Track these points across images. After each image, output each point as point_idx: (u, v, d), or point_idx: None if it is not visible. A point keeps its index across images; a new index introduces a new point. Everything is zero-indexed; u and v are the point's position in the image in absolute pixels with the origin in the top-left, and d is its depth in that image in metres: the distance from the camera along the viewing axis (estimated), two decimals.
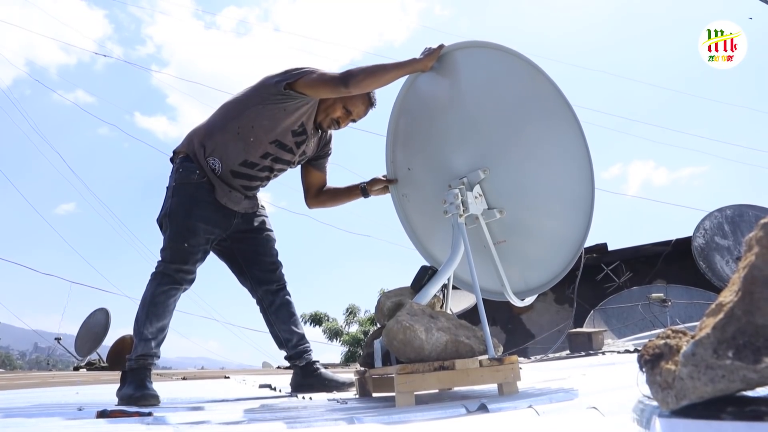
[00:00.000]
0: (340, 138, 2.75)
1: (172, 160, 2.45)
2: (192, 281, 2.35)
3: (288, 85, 2.23)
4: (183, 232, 2.28)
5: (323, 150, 2.61)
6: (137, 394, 2.08)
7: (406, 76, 2.29)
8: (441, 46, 2.14)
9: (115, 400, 2.15)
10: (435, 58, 2.14)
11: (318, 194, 2.66)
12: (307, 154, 2.52)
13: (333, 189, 2.67)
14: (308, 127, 2.38)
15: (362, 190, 2.58)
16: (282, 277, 2.58)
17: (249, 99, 2.32)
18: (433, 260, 2.51)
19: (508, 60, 2.00)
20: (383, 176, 2.55)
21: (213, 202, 2.33)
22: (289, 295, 2.59)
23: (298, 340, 2.55)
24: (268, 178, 2.48)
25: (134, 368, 2.20)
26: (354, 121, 2.43)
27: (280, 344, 2.58)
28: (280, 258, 2.61)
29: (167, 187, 2.39)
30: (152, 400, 2.07)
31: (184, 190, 2.32)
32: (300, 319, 2.66)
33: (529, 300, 2.28)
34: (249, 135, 2.30)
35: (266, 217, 2.62)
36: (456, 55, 2.13)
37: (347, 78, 2.16)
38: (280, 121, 2.29)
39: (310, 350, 2.59)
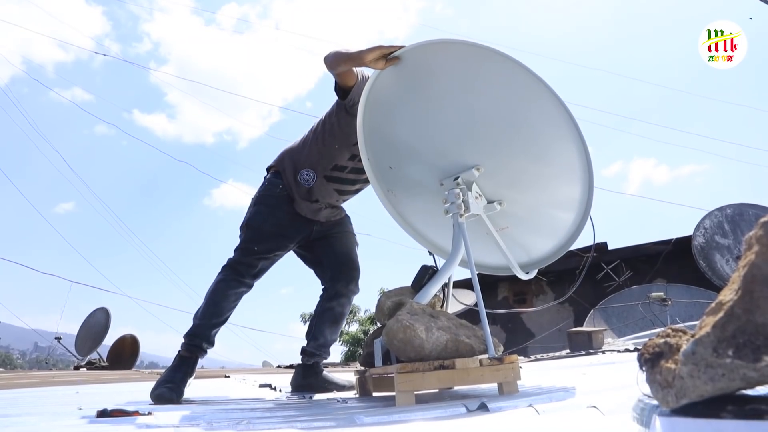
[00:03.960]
0: None
1: (265, 176, 2.62)
2: (255, 277, 2.47)
3: (341, 92, 2.36)
4: (256, 237, 2.46)
5: None
6: (162, 388, 2.13)
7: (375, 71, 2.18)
8: (392, 46, 2.03)
9: (115, 400, 2.15)
10: (377, 53, 2.03)
11: None
12: None
13: None
14: None
15: None
16: (355, 282, 2.66)
17: (329, 116, 2.50)
18: (433, 246, 2.53)
19: (483, 55, 1.90)
20: None
21: (291, 212, 2.50)
22: (349, 305, 2.70)
23: (322, 343, 2.63)
24: (359, 183, 2.58)
25: (183, 356, 2.31)
26: None
27: (308, 334, 2.66)
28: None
29: (253, 197, 2.60)
30: (164, 402, 2.07)
31: (265, 201, 2.53)
32: (339, 330, 2.75)
33: (532, 273, 2.36)
34: (334, 144, 2.46)
35: (349, 222, 2.76)
36: (428, 52, 2.00)
37: (324, 63, 2.27)
38: (353, 124, 2.38)
39: (325, 358, 2.68)
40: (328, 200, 2.54)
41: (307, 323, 2.72)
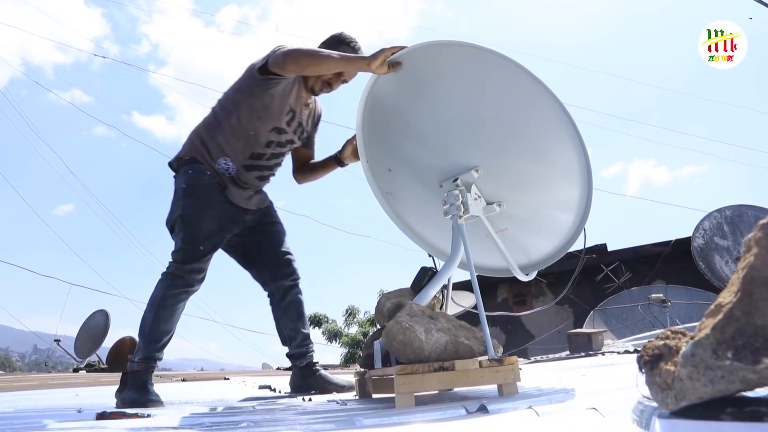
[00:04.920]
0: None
1: (172, 165, 2.42)
2: (202, 281, 2.34)
3: (264, 69, 2.22)
4: (197, 233, 2.27)
5: (317, 122, 2.64)
6: (141, 399, 2.07)
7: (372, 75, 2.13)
8: (392, 48, 1.98)
9: (114, 402, 2.14)
10: (382, 59, 1.96)
11: (301, 169, 2.67)
12: (304, 127, 2.51)
13: (312, 164, 2.67)
14: (294, 105, 2.39)
15: (336, 159, 2.55)
16: (296, 271, 2.57)
17: (240, 92, 2.33)
18: (433, 248, 2.53)
19: (482, 57, 1.90)
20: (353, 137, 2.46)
21: (226, 201, 2.35)
22: (301, 294, 2.59)
23: (302, 339, 2.56)
24: (278, 165, 2.51)
25: (136, 371, 2.19)
26: (345, 81, 2.41)
27: (284, 341, 2.59)
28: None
29: (176, 190, 2.36)
30: (155, 405, 2.06)
31: (196, 191, 2.30)
32: (307, 320, 2.66)
33: (532, 275, 2.35)
34: (248, 128, 2.32)
35: (275, 211, 2.63)
36: (428, 54, 1.99)
37: (287, 55, 2.14)
38: (273, 107, 2.31)
39: (313, 351, 2.60)
40: (254, 185, 2.43)
41: (278, 332, 2.60)
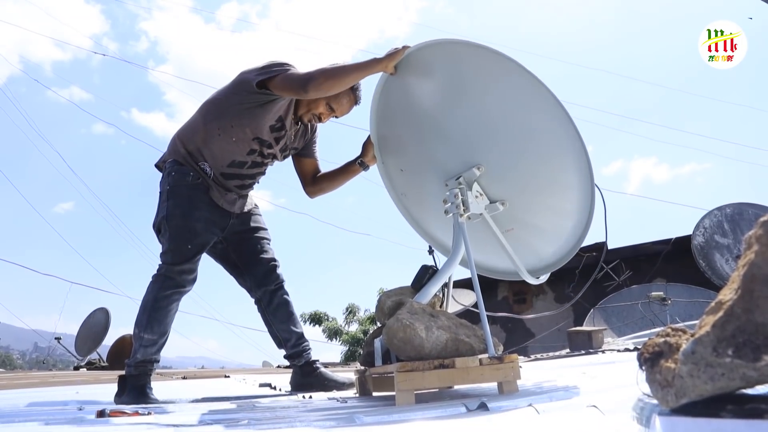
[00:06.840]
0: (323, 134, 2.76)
1: (159, 167, 2.43)
2: (194, 281, 2.34)
3: (262, 83, 2.21)
4: (184, 233, 2.27)
5: (311, 138, 2.60)
6: (140, 403, 2.06)
7: (377, 79, 2.19)
8: (405, 48, 2.02)
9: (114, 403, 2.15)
10: (396, 59, 2.03)
11: (315, 181, 2.61)
12: (289, 146, 2.48)
13: (329, 173, 2.62)
14: (286, 121, 2.36)
15: (361, 164, 2.47)
16: (280, 276, 2.57)
17: (227, 98, 2.31)
18: (446, 250, 2.52)
19: (483, 56, 1.92)
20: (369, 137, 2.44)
21: (209, 202, 2.33)
22: (288, 295, 2.58)
23: (296, 339, 2.55)
24: (260, 174, 2.49)
25: (134, 375, 2.19)
26: (336, 117, 2.39)
27: (279, 344, 2.58)
28: (277, 256, 2.61)
29: (160, 192, 2.36)
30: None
31: (180, 192, 2.29)
32: (299, 319, 2.65)
33: (543, 278, 2.30)
34: (231, 135, 2.29)
35: (260, 215, 2.62)
36: (429, 54, 2.03)
37: (308, 82, 2.12)
38: (259, 118, 2.28)
39: (309, 349, 2.59)
40: (236, 192, 2.41)
41: (272, 336, 2.60)
